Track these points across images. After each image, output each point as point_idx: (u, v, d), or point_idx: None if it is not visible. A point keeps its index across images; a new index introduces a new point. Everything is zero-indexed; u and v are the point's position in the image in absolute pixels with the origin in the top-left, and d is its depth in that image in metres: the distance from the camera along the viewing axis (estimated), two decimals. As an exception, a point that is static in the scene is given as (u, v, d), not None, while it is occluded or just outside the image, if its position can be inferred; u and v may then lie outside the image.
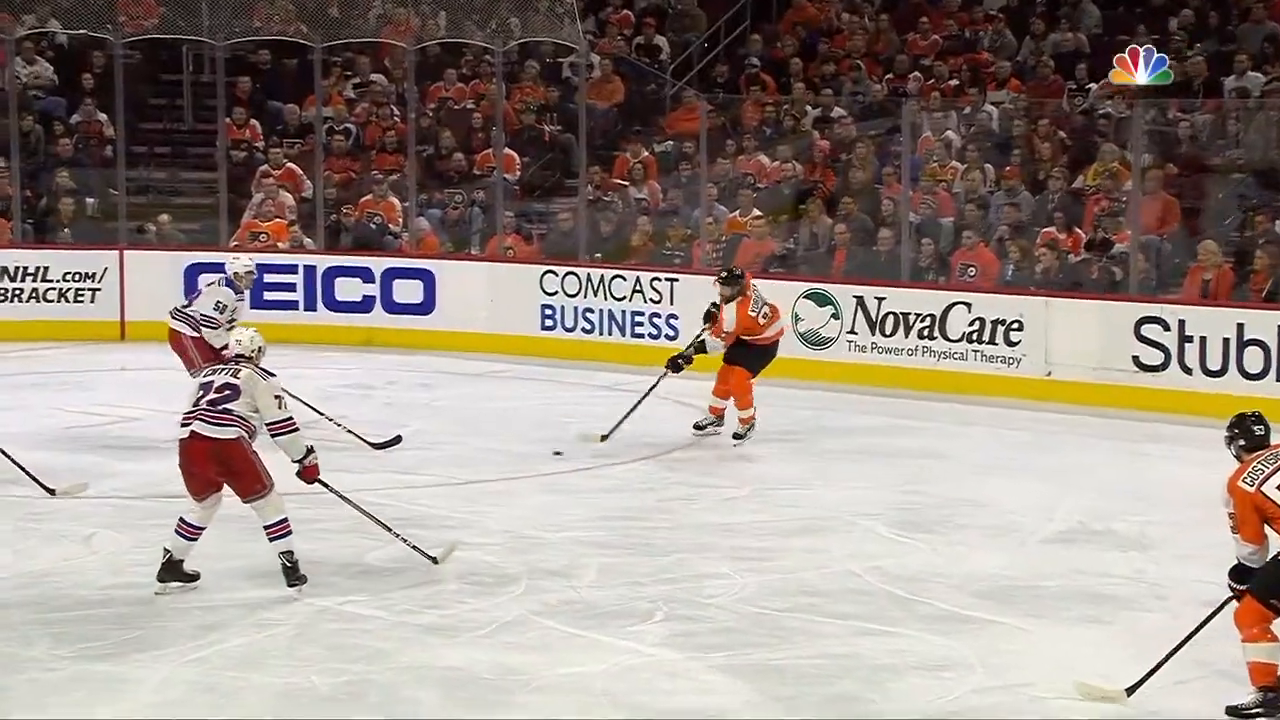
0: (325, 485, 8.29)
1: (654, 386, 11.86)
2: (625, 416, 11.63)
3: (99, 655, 7.05)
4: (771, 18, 19.61)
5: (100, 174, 17.11)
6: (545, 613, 7.72)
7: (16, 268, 15.95)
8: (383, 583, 8.15)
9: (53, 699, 6.58)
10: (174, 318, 11.30)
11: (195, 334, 11.14)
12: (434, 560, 8.31)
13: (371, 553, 8.55)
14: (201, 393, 7.94)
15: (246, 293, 11.72)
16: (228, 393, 7.89)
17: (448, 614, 7.72)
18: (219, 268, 12.10)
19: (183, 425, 7.88)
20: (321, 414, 11.07)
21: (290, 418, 8.04)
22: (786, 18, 19.47)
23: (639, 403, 11.75)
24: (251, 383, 7.95)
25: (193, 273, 15.23)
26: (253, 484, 7.87)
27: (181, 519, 7.93)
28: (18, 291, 15.81)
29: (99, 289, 16.07)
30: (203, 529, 7.93)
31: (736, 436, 11.61)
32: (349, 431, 11.13)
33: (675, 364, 11.78)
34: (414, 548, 8.33)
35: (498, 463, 11.00)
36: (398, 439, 11.25)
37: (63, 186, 16.79)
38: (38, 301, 15.90)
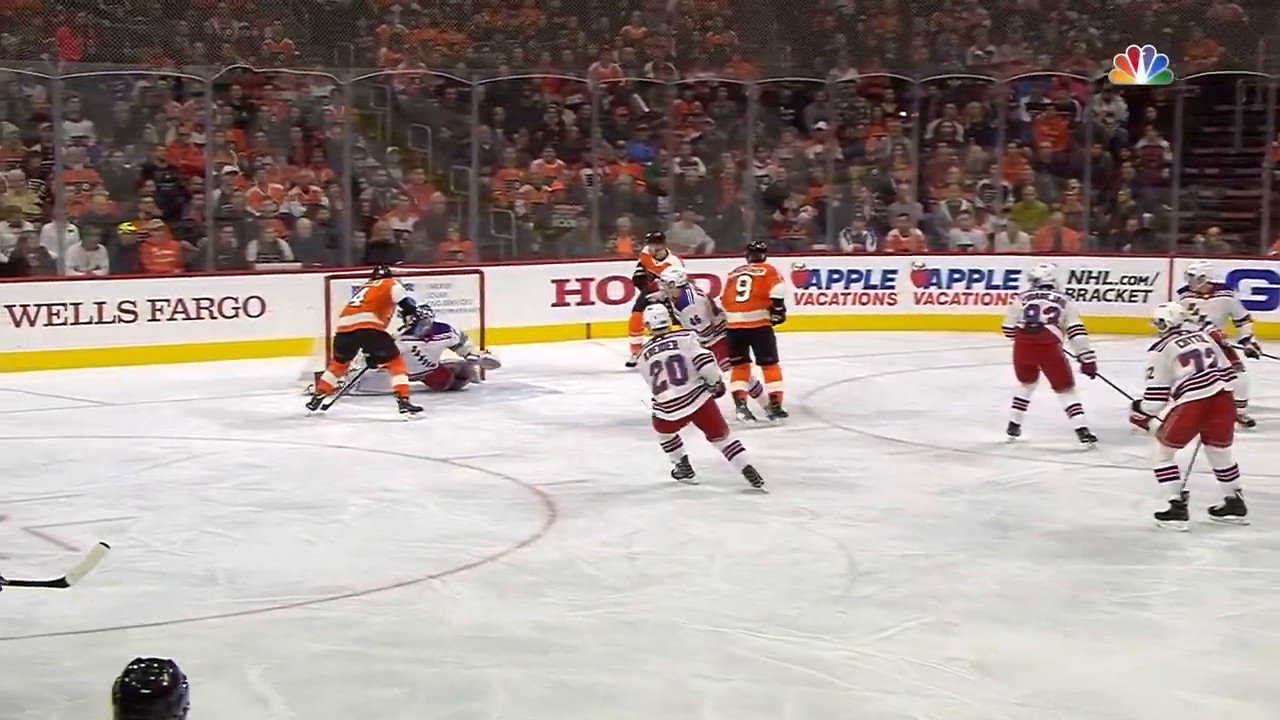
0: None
1: None
2: None
3: (1141, 604, 6.89)
4: None
5: (1156, 192, 16.92)
6: None
7: (1083, 271, 16.07)
8: None
9: (1112, 639, 6.45)
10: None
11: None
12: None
13: None
14: (1210, 359, 8.07)
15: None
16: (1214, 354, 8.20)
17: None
18: (1262, 274, 11.42)
19: (1205, 385, 8.00)
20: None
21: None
22: None
23: None
24: None
25: (1233, 279, 14.53)
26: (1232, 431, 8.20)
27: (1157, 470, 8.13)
28: (1081, 291, 15.85)
29: (1150, 290, 15.79)
30: None
31: None
32: None
33: None
34: None
35: None
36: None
37: (1124, 204, 16.71)
38: (1098, 300, 15.87)
